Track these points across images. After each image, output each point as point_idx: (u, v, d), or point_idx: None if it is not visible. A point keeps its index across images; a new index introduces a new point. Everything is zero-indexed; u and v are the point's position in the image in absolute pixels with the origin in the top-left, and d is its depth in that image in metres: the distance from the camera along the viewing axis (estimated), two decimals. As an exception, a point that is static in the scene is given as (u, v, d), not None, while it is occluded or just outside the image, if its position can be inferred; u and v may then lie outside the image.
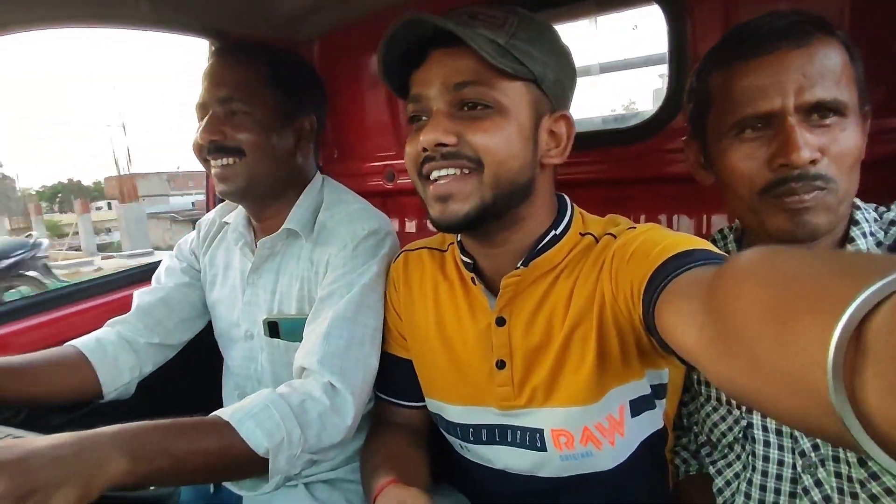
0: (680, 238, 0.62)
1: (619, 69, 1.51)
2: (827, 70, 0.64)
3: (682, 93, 1.09)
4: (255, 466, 0.71)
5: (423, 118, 0.72)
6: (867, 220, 0.71)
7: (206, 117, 0.92)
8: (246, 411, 0.72)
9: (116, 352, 0.96)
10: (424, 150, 0.69)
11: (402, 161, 1.50)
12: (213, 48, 1.33)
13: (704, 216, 1.16)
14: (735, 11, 1.00)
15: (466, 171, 0.69)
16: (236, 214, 1.07)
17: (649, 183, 1.19)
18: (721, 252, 0.58)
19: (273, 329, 0.98)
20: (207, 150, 0.92)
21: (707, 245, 0.59)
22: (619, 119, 1.26)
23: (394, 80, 0.74)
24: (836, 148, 0.65)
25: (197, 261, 1.12)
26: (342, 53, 1.48)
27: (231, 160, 0.92)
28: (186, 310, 1.08)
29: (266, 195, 0.98)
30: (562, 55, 0.73)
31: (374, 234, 0.94)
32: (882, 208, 0.73)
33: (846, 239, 0.71)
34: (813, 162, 0.64)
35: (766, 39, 0.66)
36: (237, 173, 0.93)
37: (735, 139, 0.70)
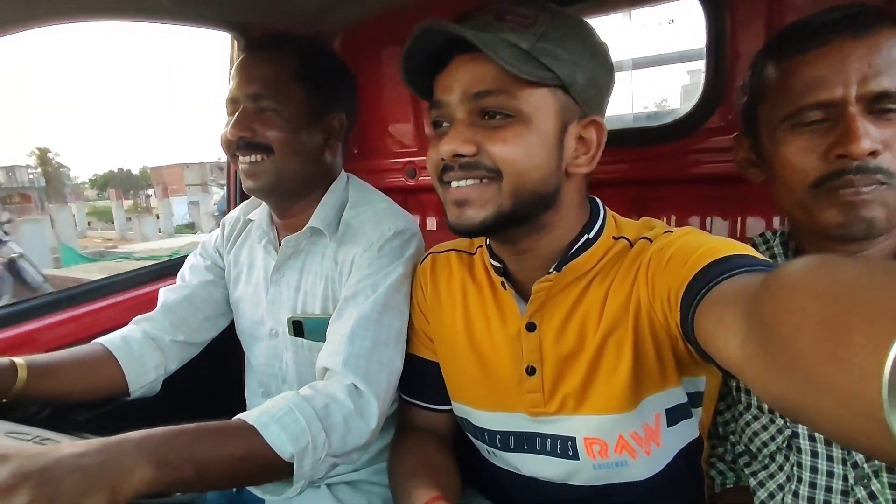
0: (720, 243, 0.59)
1: (652, 65, 1.46)
2: (893, 60, 0.61)
3: (719, 90, 1.06)
4: (279, 471, 0.70)
5: (445, 124, 0.70)
6: None
7: (237, 113, 0.91)
8: (270, 415, 0.71)
9: (142, 350, 0.96)
10: (443, 159, 0.68)
11: (424, 157, 1.49)
12: (237, 42, 1.31)
13: (739, 218, 1.12)
14: (779, 7, 0.96)
15: (485, 181, 0.67)
16: (260, 212, 1.06)
17: (682, 183, 1.15)
18: (764, 258, 0.56)
19: (297, 328, 0.97)
20: (236, 146, 0.91)
21: (749, 250, 0.57)
22: (651, 117, 1.22)
23: (418, 83, 0.72)
24: None
25: (221, 258, 1.11)
26: (364, 47, 1.46)
27: (259, 157, 0.91)
28: (211, 308, 1.08)
29: (292, 193, 0.97)
30: (596, 55, 0.69)
31: (400, 234, 0.92)
32: None
33: None
34: (873, 154, 0.61)
35: (825, 31, 0.63)
36: (265, 170, 0.92)
37: (790, 131, 0.67)
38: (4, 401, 0.78)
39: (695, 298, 0.53)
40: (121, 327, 1.00)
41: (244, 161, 0.92)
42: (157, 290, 1.07)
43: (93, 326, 1.11)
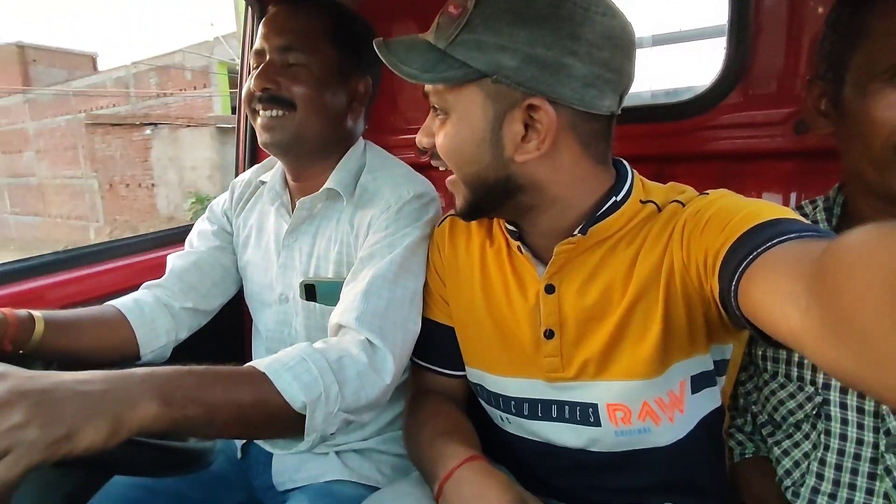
0: (762, 205, 0.57)
1: (672, 42, 1.45)
2: None
3: (740, 65, 1.05)
4: (290, 422, 0.67)
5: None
6: None
7: (262, 64, 0.90)
8: (282, 363, 0.68)
9: (154, 314, 0.95)
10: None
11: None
12: (252, 6, 1.30)
13: (754, 193, 1.11)
14: None
15: (449, 170, 0.73)
16: (273, 174, 1.04)
17: (699, 160, 1.14)
18: (811, 224, 0.53)
19: (310, 292, 0.95)
20: (259, 98, 0.90)
21: (794, 215, 0.54)
22: (669, 93, 1.22)
23: None
24: None
25: (229, 223, 1.09)
26: (376, 20, 1.44)
27: (281, 112, 0.90)
28: (219, 273, 1.06)
29: (310, 153, 0.95)
30: (540, 21, 0.61)
31: (419, 197, 0.91)
32: None
33: None
34: None
35: None
36: (285, 126, 0.90)
37: (888, 83, 0.60)
38: (21, 352, 0.77)
39: (741, 264, 0.51)
40: (129, 290, 0.99)
41: (264, 115, 0.90)
42: (166, 255, 1.06)
43: (101, 287, 1.09)
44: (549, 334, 0.74)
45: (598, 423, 0.73)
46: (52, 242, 11.60)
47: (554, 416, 0.76)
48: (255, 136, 1.28)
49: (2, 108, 13.31)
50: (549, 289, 0.73)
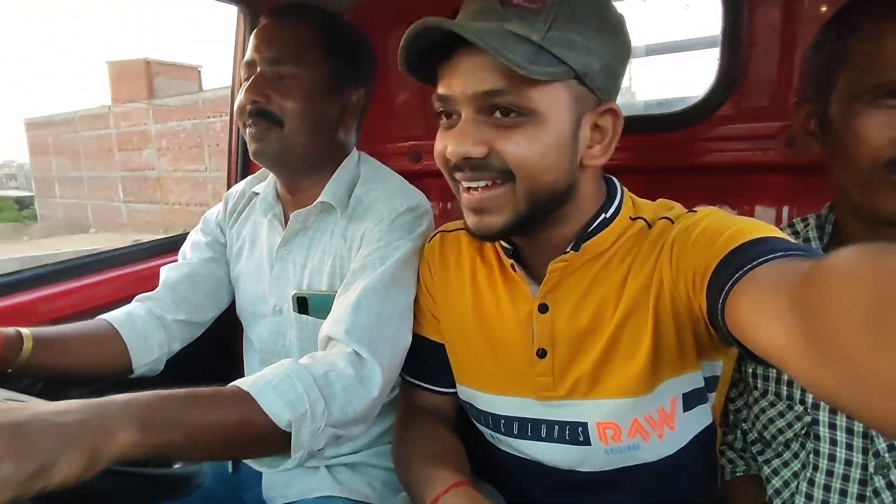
0: (749, 224, 0.57)
1: (666, 52, 1.45)
2: None
3: (733, 78, 1.05)
4: (276, 441, 0.67)
5: (454, 116, 0.66)
6: None
7: (253, 76, 0.89)
8: (267, 381, 0.68)
9: (146, 327, 0.94)
10: (449, 160, 0.65)
11: (430, 142, 1.46)
12: (244, 16, 1.29)
13: (746, 207, 1.11)
14: None
15: (497, 182, 0.65)
16: (266, 185, 1.03)
17: (691, 172, 1.14)
18: (798, 243, 0.53)
19: (302, 305, 0.94)
20: (248, 111, 0.89)
21: (780, 233, 0.55)
22: (663, 104, 1.21)
23: (419, 70, 0.67)
24: None
25: (222, 234, 1.09)
26: (370, 28, 1.44)
27: (269, 126, 0.89)
28: (212, 285, 1.05)
29: (301, 165, 0.95)
30: (613, 32, 0.64)
31: (412, 210, 0.90)
32: None
33: None
34: None
35: None
36: (272, 139, 0.89)
37: (871, 104, 0.61)
38: (10, 371, 0.76)
39: (728, 282, 0.51)
40: (121, 302, 0.98)
41: (253, 127, 0.90)
42: (158, 266, 1.05)
43: (93, 299, 1.09)
44: (542, 353, 0.73)
45: (587, 442, 0.72)
46: (165, 224, 13.63)
47: (543, 435, 0.75)
48: (246, 149, 1.28)
49: (126, 112, 15.59)
50: (543, 308, 0.73)
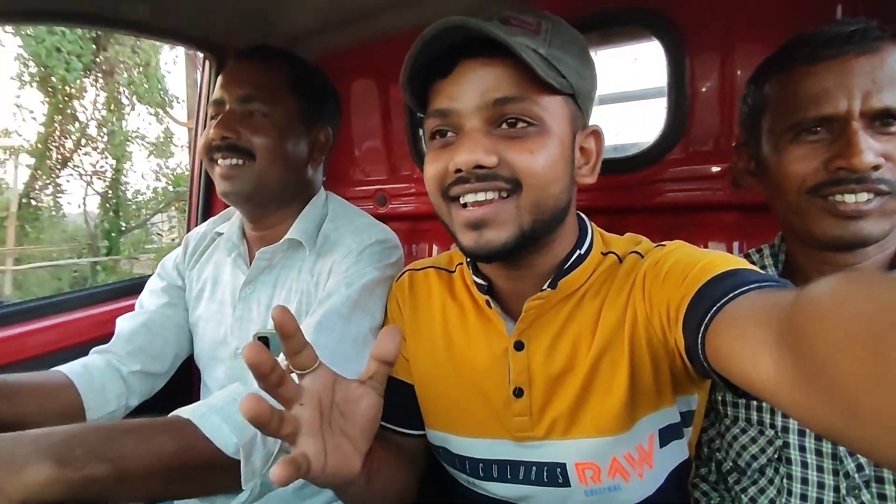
0: (718, 257, 0.59)
1: (617, 101, 1.55)
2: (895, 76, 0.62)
3: (680, 124, 1.12)
4: (224, 471, 0.60)
5: (450, 134, 0.65)
6: None
7: (222, 114, 0.89)
8: (210, 406, 0.62)
9: (104, 378, 0.89)
10: (458, 171, 0.62)
11: (394, 185, 1.49)
12: (210, 62, 1.31)
13: (700, 244, 1.16)
14: (732, 47, 1.04)
15: (504, 195, 0.63)
16: (231, 224, 1.01)
17: (647, 212, 1.19)
18: (767, 274, 0.55)
19: (264, 345, 0.91)
20: (217, 147, 0.89)
21: (747, 264, 0.56)
22: (617, 149, 1.28)
23: (414, 89, 0.67)
24: None
25: (180, 277, 1.05)
26: (336, 77, 1.48)
27: (241, 161, 0.89)
28: (170, 333, 1.00)
29: (270, 202, 0.94)
30: (592, 65, 0.69)
31: (380, 243, 0.90)
32: None
33: None
34: (875, 168, 0.63)
35: (830, 44, 0.65)
36: (244, 175, 0.89)
37: (792, 142, 0.69)
38: None
39: (706, 315, 0.51)
40: (74, 347, 0.93)
41: (224, 164, 0.89)
42: (116, 308, 1.01)
43: (45, 345, 1.03)
44: (519, 393, 0.72)
45: (567, 484, 0.70)
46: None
47: (521, 478, 0.73)
48: (210, 188, 1.27)
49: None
50: (519, 346, 0.72)
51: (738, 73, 1.05)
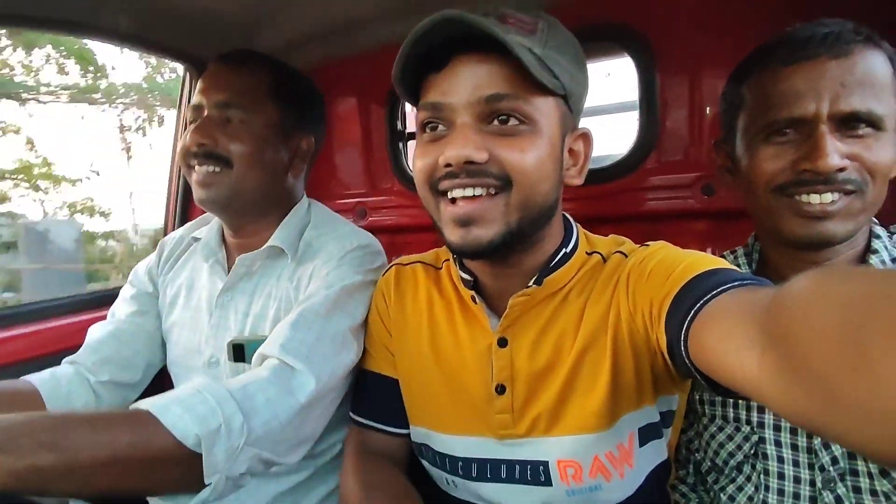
0: (700, 257, 0.60)
1: (591, 115, 1.59)
2: (867, 81, 0.64)
3: (652, 135, 1.16)
4: (184, 465, 0.57)
5: (441, 127, 0.65)
6: (881, 235, 0.72)
7: (200, 119, 0.88)
8: (172, 397, 0.60)
9: (70, 388, 0.85)
10: (448, 165, 0.62)
11: (375, 198, 1.50)
12: (190, 73, 1.31)
13: None
14: (699, 62, 1.08)
15: (493, 192, 0.63)
16: (209, 230, 1.00)
17: (624, 221, 1.22)
18: (747, 273, 0.56)
19: (238, 352, 0.88)
20: (194, 154, 0.87)
21: (728, 264, 0.57)
22: (592, 160, 1.31)
23: (406, 82, 0.67)
24: (868, 157, 0.65)
25: (152, 284, 1.03)
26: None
27: (217, 168, 0.88)
28: (141, 342, 0.97)
29: (249, 209, 0.93)
30: (585, 68, 0.70)
31: (363, 248, 0.90)
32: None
33: (867, 251, 0.71)
34: (841, 170, 0.64)
35: (804, 46, 0.66)
36: (221, 182, 0.88)
37: (763, 141, 0.70)
38: None
39: (688, 313, 0.51)
40: (48, 356, 0.91)
41: (200, 170, 0.88)
42: (91, 318, 0.98)
43: (13, 354, 1.00)
44: (501, 389, 0.71)
45: (549, 483, 0.70)
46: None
47: (503, 476, 0.72)
48: (187, 194, 1.26)
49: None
50: (502, 342, 0.72)
51: (707, 85, 1.09)
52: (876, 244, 0.71)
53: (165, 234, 1.17)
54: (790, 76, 0.67)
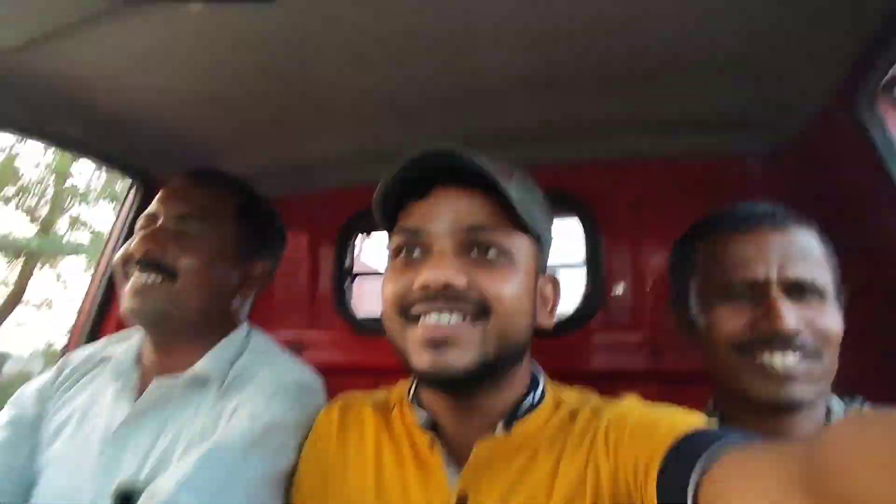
0: (679, 412, 0.58)
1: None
2: (805, 253, 0.70)
3: (598, 294, 1.19)
4: None
5: (416, 253, 0.64)
6: (837, 404, 0.73)
7: (151, 227, 0.83)
8: None
9: None
10: (425, 287, 0.60)
11: (314, 331, 1.41)
12: (138, 188, 1.27)
13: None
14: (642, 228, 1.17)
15: (470, 319, 0.60)
16: (125, 350, 0.87)
17: (568, 378, 1.18)
18: (738, 431, 0.53)
19: (125, 501, 0.69)
20: (137, 261, 0.80)
21: (705, 420, 0.56)
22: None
23: (387, 206, 0.67)
24: (819, 322, 0.67)
25: (40, 404, 0.85)
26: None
27: (159, 278, 0.80)
28: (10, 478, 0.79)
29: (182, 329, 0.84)
30: (551, 219, 0.72)
31: (301, 384, 0.81)
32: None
33: (828, 414, 0.71)
34: (797, 333, 0.66)
35: (747, 220, 0.73)
36: (159, 293, 0.80)
37: (720, 301, 0.72)
38: None
39: (690, 472, 0.47)
40: None
41: (139, 277, 0.80)
42: None
43: None
44: None
45: None
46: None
47: None
48: (101, 310, 1.13)
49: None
50: (462, 500, 0.62)
51: (650, 249, 1.16)
52: (834, 405, 0.72)
53: (67, 350, 1.01)
54: (741, 241, 0.72)
